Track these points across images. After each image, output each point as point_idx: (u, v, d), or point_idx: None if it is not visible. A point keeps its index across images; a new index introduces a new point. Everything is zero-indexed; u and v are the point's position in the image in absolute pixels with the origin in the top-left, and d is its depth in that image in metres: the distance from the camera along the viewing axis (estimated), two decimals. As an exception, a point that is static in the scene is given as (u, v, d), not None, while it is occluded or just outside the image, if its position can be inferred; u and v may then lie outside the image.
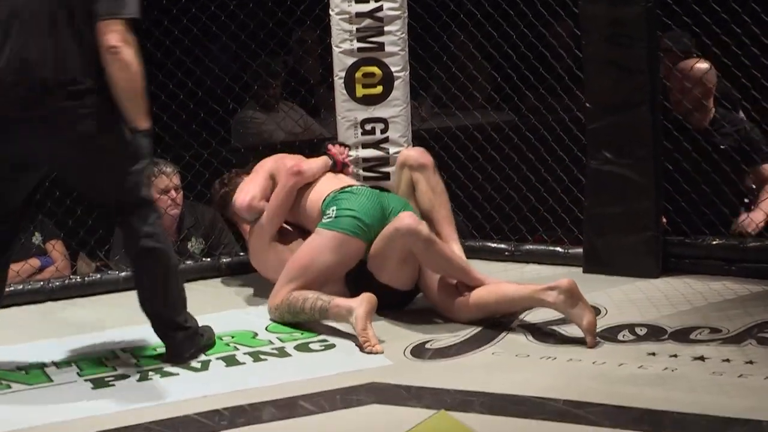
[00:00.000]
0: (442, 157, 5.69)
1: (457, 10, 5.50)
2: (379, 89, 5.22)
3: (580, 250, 5.11)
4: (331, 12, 5.22)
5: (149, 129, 3.91)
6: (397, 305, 4.56)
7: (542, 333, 4.26)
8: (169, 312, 4.11)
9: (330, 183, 4.76)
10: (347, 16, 5.17)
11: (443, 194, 4.79)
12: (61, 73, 3.80)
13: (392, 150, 5.22)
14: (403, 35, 5.20)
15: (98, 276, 5.19)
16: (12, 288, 4.94)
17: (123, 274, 5.16)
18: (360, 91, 5.22)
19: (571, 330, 4.26)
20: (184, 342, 4.14)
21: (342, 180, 4.81)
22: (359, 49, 5.20)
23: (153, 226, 4.01)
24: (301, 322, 4.43)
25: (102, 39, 3.80)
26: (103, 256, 5.46)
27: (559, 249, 5.24)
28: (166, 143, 4.86)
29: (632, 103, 4.88)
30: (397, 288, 4.50)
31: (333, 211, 4.49)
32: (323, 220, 4.51)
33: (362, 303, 4.21)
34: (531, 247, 5.33)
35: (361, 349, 4.16)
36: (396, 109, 5.22)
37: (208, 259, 5.35)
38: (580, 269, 5.06)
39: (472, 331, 4.31)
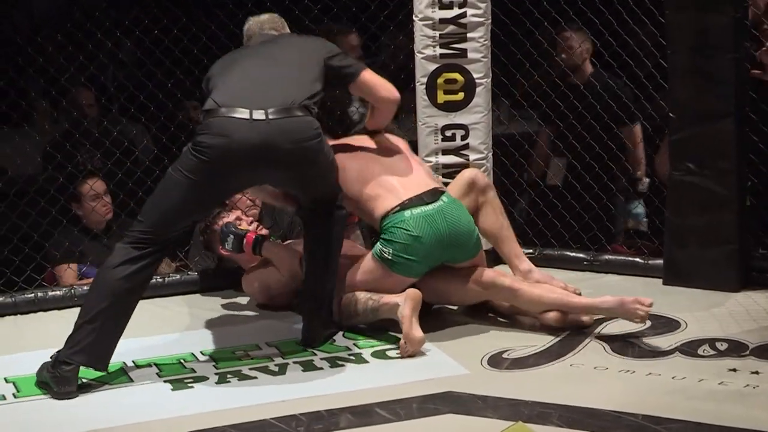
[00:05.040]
0: (522, 165, 5.68)
1: (541, 17, 5.47)
2: (460, 96, 5.21)
3: (660, 261, 5.06)
4: (414, 18, 5.22)
5: None
6: None
7: (621, 345, 4.22)
8: (327, 289, 4.39)
9: (395, 184, 4.53)
10: (431, 22, 5.17)
11: (504, 213, 4.77)
12: (295, 98, 4.16)
13: (472, 157, 5.21)
14: (486, 42, 5.19)
15: (178, 276, 5.24)
16: (94, 286, 5.01)
17: (202, 275, 5.22)
18: (441, 98, 5.22)
19: (651, 343, 4.23)
20: (325, 321, 4.40)
21: (404, 178, 4.56)
22: (442, 56, 5.19)
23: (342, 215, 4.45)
24: (358, 324, 4.48)
25: (384, 92, 4.53)
26: (183, 256, 5.51)
27: (638, 260, 5.19)
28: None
29: (717, 115, 4.82)
30: None
31: (390, 252, 4.38)
32: (379, 251, 4.41)
33: (406, 300, 4.25)
34: (610, 257, 5.30)
35: (402, 351, 4.23)
36: (477, 116, 5.21)
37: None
38: (660, 281, 5.01)
39: (550, 341, 4.29)
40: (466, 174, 4.79)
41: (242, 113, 4.07)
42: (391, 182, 4.53)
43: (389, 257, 4.38)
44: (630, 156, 5.74)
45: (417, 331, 4.20)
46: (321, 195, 4.33)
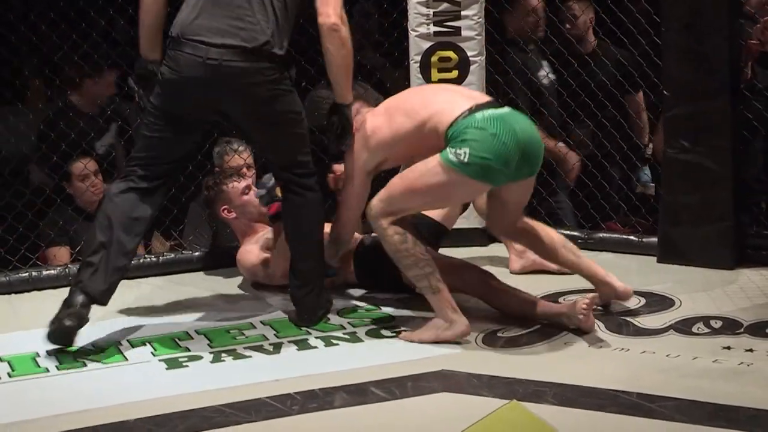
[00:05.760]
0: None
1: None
2: (454, 74, 5.20)
3: (655, 239, 5.06)
4: (408, -5, 5.23)
5: (351, 103, 4.25)
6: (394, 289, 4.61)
7: (616, 323, 4.22)
8: (312, 263, 4.33)
9: (453, 97, 4.18)
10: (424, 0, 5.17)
11: None
12: (255, 42, 4.08)
13: (467, 135, 5.18)
14: (481, 20, 5.18)
15: (172, 255, 5.24)
16: (88, 266, 5.00)
17: (197, 253, 5.23)
18: (435, 76, 5.21)
19: (646, 321, 4.23)
20: (317, 300, 4.35)
21: (462, 91, 4.35)
22: (436, 33, 5.18)
23: (310, 178, 4.30)
24: (401, 267, 4.18)
25: (321, 16, 4.12)
26: (177, 235, 5.50)
27: (633, 238, 5.19)
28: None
29: (711, 92, 4.81)
30: None
31: (465, 154, 3.94)
32: (451, 156, 3.97)
33: (460, 330, 4.07)
34: (604, 235, 5.29)
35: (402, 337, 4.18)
36: (471, 94, 5.19)
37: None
38: (654, 258, 5.01)
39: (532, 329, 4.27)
40: None
41: (199, 51, 4.07)
42: (454, 96, 4.18)
43: (465, 159, 3.95)
44: (634, 124, 5.71)
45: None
46: (286, 156, 4.24)
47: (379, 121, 4.26)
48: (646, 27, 5.31)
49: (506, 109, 4.11)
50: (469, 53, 5.17)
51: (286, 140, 4.23)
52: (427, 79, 5.18)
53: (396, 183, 4.14)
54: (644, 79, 5.37)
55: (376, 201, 4.13)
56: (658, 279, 4.72)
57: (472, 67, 5.17)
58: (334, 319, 4.42)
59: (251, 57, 4.07)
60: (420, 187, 4.07)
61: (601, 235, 5.28)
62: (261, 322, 4.41)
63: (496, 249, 5.12)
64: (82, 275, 4.15)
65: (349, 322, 4.38)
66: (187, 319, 4.49)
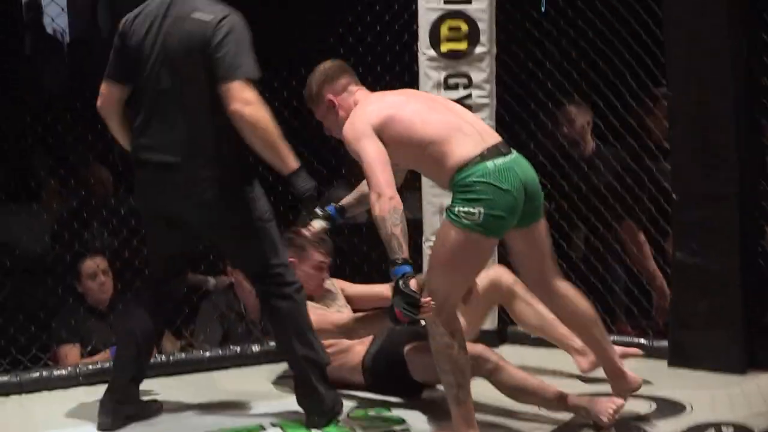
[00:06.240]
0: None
1: (545, 98, 5.53)
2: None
3: (665, 342, 5.05)
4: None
5: (299, 167, 4.01)
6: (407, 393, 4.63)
7: (627, 429, 4.20)
8: (303, 369, 4.27)
9: (463, 127, 4.02)
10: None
11: (538, 300, 4.58)
12: (187, 153, 4.09)
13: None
14: (492, 124, 5.22)
15: (183, 355, 5.24)
16: (99, 366, 4.99)
17: (208, 353, 5.21)
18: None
19: (657, 426, 4.22)
20: (324, 403, 4.29)
21: (477, 124, 4.12)
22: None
23: (286, 288, 4.21)
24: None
25: (225, 104, 3.97)
26: (188, 335, 5.51)
27: (643, 341, 5.18)
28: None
29: (720, 196, 4.84)
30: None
31: (480, 214, 3.84)
32: (465, 215, 3.87)
33: None
34: (615, 338, 5.24)
35: None
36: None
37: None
38: (665, 362, 5.00)
39: (553, 427, 4.26)
40: (491, 274, 4.76)
41: (146, 170, 4.18)
42: (465, 126, 4.02)
43: (480, 219, 3.86)
44: (630, 252, 5.69)
45: None
46: (254, 266, 4.26)
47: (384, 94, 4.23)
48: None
49: (512, 155, 4.01)
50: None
51: (248, 248, 4.22)
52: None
53: (428, 275, 4.04)
54: (654, 183, 5.39)
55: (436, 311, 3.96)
56: (669, 383, 4.70)
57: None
58: (344, 421, 4.40)
59: (189, 167, 4.09)
60: (447, 261, 3.95)
61: (611, 338, 5.22)
62: (271, 424, 4.39)
63: (508, 351, 5.11)
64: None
65: (359, 425, 4.36)
66: (197, 421, 4.47)
